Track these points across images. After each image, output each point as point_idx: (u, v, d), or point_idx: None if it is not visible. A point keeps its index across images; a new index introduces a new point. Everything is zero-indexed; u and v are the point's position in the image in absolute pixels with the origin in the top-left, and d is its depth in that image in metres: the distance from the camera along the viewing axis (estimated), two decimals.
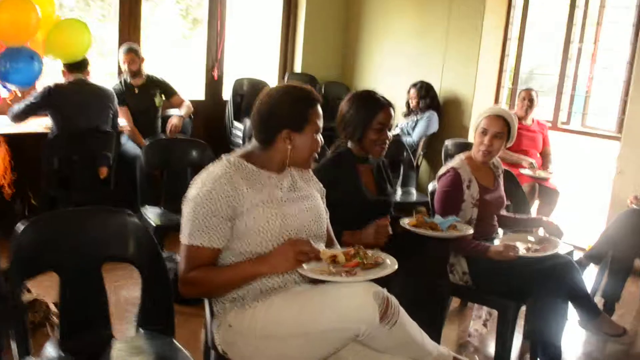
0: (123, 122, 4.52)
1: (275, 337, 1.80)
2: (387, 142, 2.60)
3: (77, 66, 4.03)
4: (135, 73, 4.72)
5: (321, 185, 2.20)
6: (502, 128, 2.82)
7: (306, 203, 2.03)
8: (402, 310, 1.76)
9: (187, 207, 1.88)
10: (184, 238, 1.87)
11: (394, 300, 1.75)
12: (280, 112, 1.94)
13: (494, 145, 2.83)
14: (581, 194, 6.59)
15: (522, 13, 5.45)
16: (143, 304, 2.09)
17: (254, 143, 2.02)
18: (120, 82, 4.78)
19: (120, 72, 4.87)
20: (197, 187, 1.87)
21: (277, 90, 1.99)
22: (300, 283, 1.91)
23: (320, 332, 1.73)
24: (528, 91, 4.96)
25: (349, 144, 2.65)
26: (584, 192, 6.67)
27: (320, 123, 1.98)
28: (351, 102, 2.62)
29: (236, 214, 1.86)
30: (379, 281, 1.80)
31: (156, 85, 4.85)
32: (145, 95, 4.80)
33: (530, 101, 4.92)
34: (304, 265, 1.81)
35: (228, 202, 1.84)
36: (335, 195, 2.45)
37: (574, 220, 5.92)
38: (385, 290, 1.75)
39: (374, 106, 2.57)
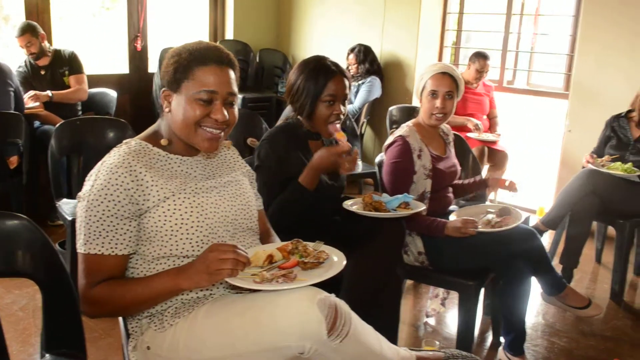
0: (35, 104, 4.04)
1: None
2: (341, 117, 2.27)
3: None
4: (38, 55, 4.19)
5: (249, 168, 1.87)
6: (451, 86, 2.55)
7: (229, 190, 1.69)
8: (354, 317, 1.46)
9: (80, 208, 1.52)
10: (80, 246, 1.51)
11: (344, 306, 1.43)
12: (166, 69, 1.59)
13: (447, 107, 2.56)
14: (531, 155, 6.51)
15: None
16: (46, 325, 1.73)
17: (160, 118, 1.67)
18: (25, 63, 4.25)
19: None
20: (90, 182, 1.52)
21: (179, 46, 1.63)
22: (230, 291, 1.58)
23: (256, 353, 1.41)
24: (486, 62, 4.69)
25: (300, 117, 2.32)
26: (534, 152, 6.59)
27: (216, 87, 1.55)
28: (299, 71, 2.28)
29: (141, 210, 1.52)
30: (326, 281, 1.49)
31: (64, 62, 4.33)
32: (54, 75, 4.30)
33: (487, 73, 4.70)
34: None
35: (129, 198, 1.49)
36: (284, 173, 2.17)
37: (525, 182, 5.84)
38: (332, 296, 1.43)
39: (322, 75, 2.22)
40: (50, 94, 4.15)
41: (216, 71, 1.56)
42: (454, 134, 3.27)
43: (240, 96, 5.15)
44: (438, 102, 2.54)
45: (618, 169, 3.27)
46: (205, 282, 1.44)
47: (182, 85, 1.56)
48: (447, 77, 2.54)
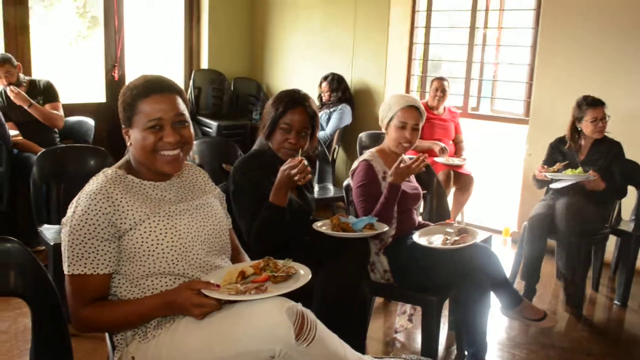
0: (14, 132, 4.13)
1: None
2: (298, 149, 2.43)
3: None
4: (16, 85, 4.23)
5: (219, 190, 2.02)
6: (417, 119, 2.77)
7: (201, 212, 1.84)
8: (320, 324, 1.62)
9: (63, 233, 1.67)
10: (65, 268, 1.66)
11: (309, 314, 1.60)
12: (119, 108, 1.76)
13: (414, 137, 2.78)
14: (495, 178, 6.75)
15: (427, 1, 5.46)
16: (35, 341, 1.84)
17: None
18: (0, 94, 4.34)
19: None
20: (72, 208, 1.67)
21: (125, 85, 1.79)
22: None
23: (231, 358, 1.56)
24: (440, 81, 4.97)
25: (269, 143, 2.51)
26: (498, 175, 6.83)
27: (160, 114, 1.69)
28: (273, 97, 2.52)
29: (119, 232, 1.67)
30: (297, 293, 1.66)
31: (39, 92, 4.38)
32: None
33: (443, 92, 4.96)
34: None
35: (108, 221, 1.64)
36: (259, 196, 2.33)
37: (490, 204, 6.06)
38: (299, 305, 1.60)
39: (285, 104, 2.43)
40: (31, 101, 4.20)
41: (158, 100, 1.71)
42: None
43: (215, 123, 5.33)
44: (407, 134, 2.74)
45: (569, 174, 3.46)
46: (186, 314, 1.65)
47: (133, 120, 1.72)
48: (415, 110, 2.75)
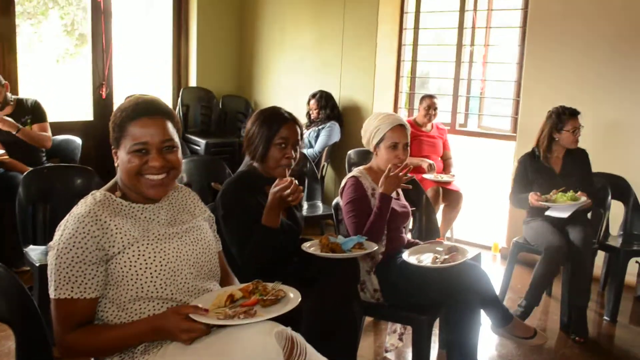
0: (0, 151, 4.08)
1: None
2: (293, 161, 2.45)
3: None
4: (4, 104, 4.18)
5: (209, 212, 2.00)
6: (407, 137, 2.79)
7: (190, 236, 1.82)
8: (309, 348, 1.61)
9: (50, 257, 1.64)
10: (51, 292, 1.63)
11: (299, 338, 1.59)
12: (110, 128, 1.75)
13: (405, 156, 2.79)
14: (483, 194, 6.77)
15: (414, 19, 5.51)
16: None
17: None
18: None
19: None
20: (60, 231, 1.65)
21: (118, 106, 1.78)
22: None
23: None
24: (431, 99, 4.99)
25: (255, 164, 2.50)
26: (486, 191, 6.86)
27: (147, 138, 1.68)
28: (254, 119, 2.49)
29: (107, 256, 1.65)
30: (286, 314, 1.63)
31: (26, 112, 4.31)
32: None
33: (435, 109, 4.97)
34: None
35: (96, 244, 1.62)
36: (249, 218, 2.31)
37: (479, 220, 6.08)
38: (289, 329, 1.58)
39: (276, 122, 2.43)
40: (19, 126, 4.13)
41: (147, 123, 1.69)
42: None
43: (203, 141, 5.32)
44: (400, 154, 2.75)
45: (564, 200, 3.40)
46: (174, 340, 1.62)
47: (121, 142, 1.71)
48: (404, 128, 2.76)
